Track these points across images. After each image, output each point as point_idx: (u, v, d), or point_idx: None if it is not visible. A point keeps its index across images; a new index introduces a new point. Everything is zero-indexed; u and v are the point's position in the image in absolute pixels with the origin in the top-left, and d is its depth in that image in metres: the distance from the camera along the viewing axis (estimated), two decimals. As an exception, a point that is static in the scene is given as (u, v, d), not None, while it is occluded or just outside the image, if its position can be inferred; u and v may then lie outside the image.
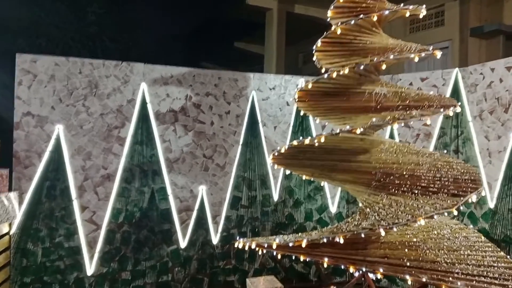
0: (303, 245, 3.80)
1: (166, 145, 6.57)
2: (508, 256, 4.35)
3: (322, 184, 7.31)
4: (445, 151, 6.35)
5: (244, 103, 7.07)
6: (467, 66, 6.88)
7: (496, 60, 6.29)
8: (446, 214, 3.77)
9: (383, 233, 3.73)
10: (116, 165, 6.29)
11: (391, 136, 7.06)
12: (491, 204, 6.04)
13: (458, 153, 6.54)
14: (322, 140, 4.21)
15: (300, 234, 4.40)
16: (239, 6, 14.72)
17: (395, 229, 3.65)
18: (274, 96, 7.25)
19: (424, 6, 4.57)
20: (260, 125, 7.11)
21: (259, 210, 7.01)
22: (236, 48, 19.75)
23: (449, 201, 3.84)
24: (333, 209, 7.36)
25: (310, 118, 7.30)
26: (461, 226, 4.95)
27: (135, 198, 6.37)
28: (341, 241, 3.72)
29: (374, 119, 4.26)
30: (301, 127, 7.30)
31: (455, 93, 6.64)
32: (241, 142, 6.99)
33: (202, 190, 6.70)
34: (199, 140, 6.77)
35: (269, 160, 6.99)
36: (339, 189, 7.36)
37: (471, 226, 6.05)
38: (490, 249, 4.49)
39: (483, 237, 4.67)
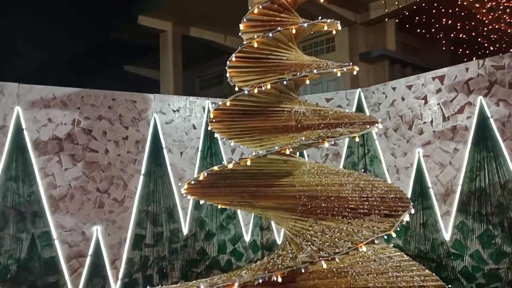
0: (235, 290, 3.20)
1: (49, 179, 5.45)
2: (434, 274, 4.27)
3: (237, 211, 6.78)
4: (363, 171, 6.34)
5: (145, 127, 6.28)
6: (357, 88, 7.05)
7: (397, 79, 6.55)
8: (385, 237, 3.52)
9: (324, 265, 3.32)
10: (-19, 209, 4.99)
11: (301, 157, 6.88)
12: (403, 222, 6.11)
13: (366, 171, 6.58)
14: (248, 163, 3.71)
15: (227, 275, 3.78)
16: (131, 27, 13.82)
17: (337, 260, 3.27)
18: (178, 119, 6.59)
19: (339, 21, 4.44)
20: (165, 151, 6.36)
21: (167, 248, 6.17)
22: (126, 73, 18.58)
23: (385, 223, 3.60)
24: (247, 237, 6.85)
25: (220, 142, 6.78)
26: (382, 245, 4.81)
27: (10, 247, 5.10)
28: (279, 279, 3.21)
29: (303, 138, 3.91)
30: (210, 151, 6.73)
31: (360, 112, 6.73)
32: (142, 172, 6.15)
33: (96, 231, 5.67)
34: (91, 171, 5.77)
35: (176, 190, 6.28)
36: (252, 215, 6.90)
37: (385, 243, 6.04)
38: (415, 267, 4.39)
39: (405, 256, 4.57)
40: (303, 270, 3.24)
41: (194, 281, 3.86)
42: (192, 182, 3.98)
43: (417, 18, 10.27)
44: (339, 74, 4.05)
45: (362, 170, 6.52)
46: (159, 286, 4.11)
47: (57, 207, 5.45)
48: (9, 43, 14.15)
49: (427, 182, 5.92)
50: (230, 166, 3.71)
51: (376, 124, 4.07)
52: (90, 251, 5.59)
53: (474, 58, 6.11)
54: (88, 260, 5.56)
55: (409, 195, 6.04)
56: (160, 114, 6.42)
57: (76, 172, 5.65)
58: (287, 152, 3.69)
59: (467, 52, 11.35)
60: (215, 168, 3.80)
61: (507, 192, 5.19)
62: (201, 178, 3.87)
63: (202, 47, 15.18)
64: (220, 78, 17.55)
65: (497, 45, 12.96)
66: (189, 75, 17.39)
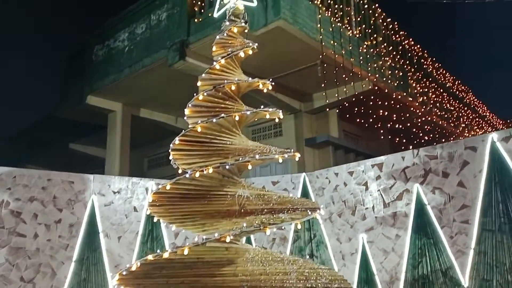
0: None
1: (-36, 268, 4.85)
2: None
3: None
4: (307, 257, 6.21)
5: (81, 210, 5.91)
6: (304, 172, 7.20)
7: (339, 165, 6.76)
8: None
9: None
10: None
11: (248, 241, 6.68)
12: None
13: (313, 257, 6.47)
14: (186, 252, 3.51)
15: None
16: (77, 106, 13.65)
17: None
18: (119, 200, 6.29)
19: (281, 110, 4.61)
20: (101, 235, 5.95)
21: None
22: (71, 151, 17.96)
23: (329, 316, 3.44)
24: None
25: (162, 225, 6.48)
26: None
27: None
28: None
29: (244, 224, 3.80)
30: (151, 235, 6.38)
31: (305, 196, 6.79)
32: (74, 259, 5.66)
33: (14, 329, 4.99)
34: (16, 258, 5.24)
35: (112, 280, 5.78)
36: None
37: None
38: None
39: None
40: None
41: None
42: (124, 273, 3.67)
43: (356, 108, 11.01)
44: (280, 161, 4.11)
45: (308, 256, 6.40)
46: None
47: (-32, 301, 4.80)
48: None
49: (372, 269, 5.88)
50: (166, 255, 3.49)
51: (318, 211, 4.08)
52: None
53: (410, 147, 6.49)
54: None
55: (355, 283, 5.94)
56: (99, 196, 6.11)
57: (-3, 259, 5.09)
58: (227, 240, 3.55)
59: (404, 141, 12.14)
60: (150, 257, 3.56)
61: (448, 279, 5.24)
62: (133, 268, 3.59)
63: (152, 127, 15.14)
64: (168, 157, 17.38)
65: (431, 135, 14.05)
66: (137, 155, 17.07)
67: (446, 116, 14.97)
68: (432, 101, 14.06)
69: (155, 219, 5.01)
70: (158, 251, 4.06)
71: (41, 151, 17.21)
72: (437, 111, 14.27)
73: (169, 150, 4.61)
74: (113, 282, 4.09)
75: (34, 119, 16.28)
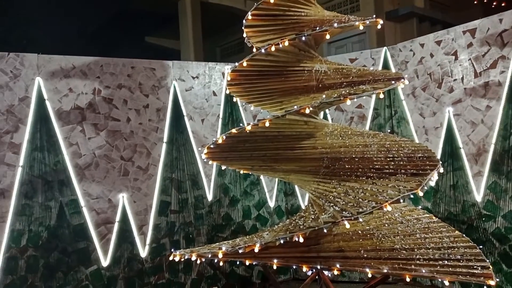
0: (256, 250, 3.17)
1: (74, 149, 5.52)
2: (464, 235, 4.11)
3: (260, 178, 6.73)
4: (389, 132, 6.13)
5: (165, 95, 6.23)
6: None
7: (425, 35, 6.19)
8: (412, 196, 3.38)
9: (347, 225, 3.23)
10: (11, 178, 5.11)
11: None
12: (432, 182, 5.90)
13: (393, 133, 6.35)
14: (267, 124, 3.60)
15: (248, 237, 3.76)
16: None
17: (360, 219, 3.17)
18: (198, 86, 6.50)
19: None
20: (186, 118, 6.32)
21: (192, 214, 6.23)
22: (148, 44, 18.49)
23: (411, 182, 3.46)
24: (271, 203, 6.83)
25: (241, 108, 6.68)
26: (410, 207, 4.69)
27: (40, 215, 5.25)
28: (301, 240, 3.15)
29: (323, 96, 3.75)
30: (231, 118, 6.65)
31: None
32: (165, 140, 6.14)
33: (122, 198, 5.76)
34: (114, 140, 5.80)
35: (199, 157, 6.28)
36: (276, 181, 6.85)
37: (413, 206, 5.88)
38: (444, 229, 4.25)
39: (434, 217, 4.43)
40: (325, 231, 3.17)
41: (217, 243, 3.86)
42: (212, 146, 3.91)
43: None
44: (361, 28, 3.82)
45: (389, 131, 6.29)
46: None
47: (83, 176, 5.54)
48: (27, 20, 14.24)
49: (458, 142, 5.66)
50: (249, 128, 3.62)
51: (402, 80, 3.86)
52: (118, 218, 5.70)
53: None
54: (116, 226, 5.68)
55: (438, 156, 5.80)
56: (179, 81, 6.34)
57: (99, 141, 5.70)
58: (307, 111, 3.55)
59: (502, 5, 10.62)
60: (233, 130, 3.71)
61: (544, 149, 4.90)
62: (220, 141, 3.80)
63: (220, 14, 14.84)
64: (240, 46, 17.23)
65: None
66: (209, 45, 17.16)
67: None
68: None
69: (234, 99, 5.16)
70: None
71: (120, 45, 17.92)
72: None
73: (242, 27, 4.49)
74: (202, 156, 4.42)
75: (111, 13, 16.68)
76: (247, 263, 4.04)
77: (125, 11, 16.10)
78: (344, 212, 3.21)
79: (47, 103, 5.38)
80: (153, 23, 16.50)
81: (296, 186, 6.82)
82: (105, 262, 5.55)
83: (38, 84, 5.36)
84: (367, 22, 3.82)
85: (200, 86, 6.51)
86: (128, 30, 16.59)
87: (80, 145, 5.55)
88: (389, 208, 3.24)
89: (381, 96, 3.99)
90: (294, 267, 5.71)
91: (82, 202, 5.47)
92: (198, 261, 4.28)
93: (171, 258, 3.92)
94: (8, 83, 5.20)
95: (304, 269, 3.96)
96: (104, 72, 5.79)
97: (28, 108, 5.29)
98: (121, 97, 5.89)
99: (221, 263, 5.12)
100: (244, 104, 6.65)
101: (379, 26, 4.10)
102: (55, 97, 5.45)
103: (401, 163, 3.82)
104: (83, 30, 17.28)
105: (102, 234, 5.59)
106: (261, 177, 6.73)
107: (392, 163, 3.86)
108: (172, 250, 4.18)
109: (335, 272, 3.95)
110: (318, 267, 3.96)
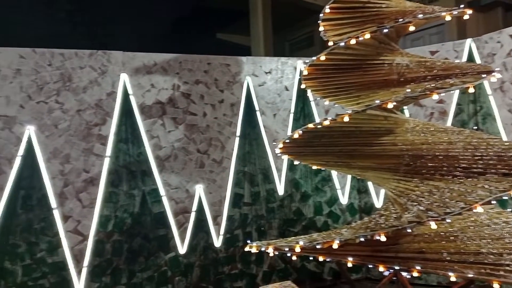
0: (335, 246, 3.15)
1: (155, 141, 5.83)
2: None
3: (332, 174, 6.66)
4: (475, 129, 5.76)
5: (239, 90, 6.36)
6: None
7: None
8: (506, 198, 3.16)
9: (434, 226, 3.09)
10: (99, 167, 5.53)
11: (402, 116, 6.45)
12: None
13: (478, 130, 5.95)
14: (346, 119, 3.55)
15: (326, 232, 3.75)
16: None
17: (448, 220, 3.03)
18: (270, 81, 6.56)
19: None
20: (258, 113, 6.41)
21: (264, 207, 6.33)
22: (218, 40, 18.95)
23: (504, 183, 3.23)
24: (343, 200, 6.73)
25: (312, 103, 6.63)
26: (498, 210, 4.37)
27: (125, 202, 5.63)
28: (383, 238, 3.08)
29: (408, 91, 3.61)
30: (302, 113, 6.63)
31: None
32: (238, 134, 6.29)
33: (199, 189, 5.99)
34: (192, 133, 6.05)
35: (270, 151, 6.34)
36: (349, 178, 6.72)
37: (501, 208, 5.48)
38: (537, 234, 3.91)
39: None
40: (409, 231, 3.07)
41: (294, 237, 3.89)
42: (287, 141, 3.94)
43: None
44: (448, 18, 3.62)
45: (475, 128, 5.91)
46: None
47: (163, 167, 5.84)
48: (107, 18, 15.26)
49: (553, 141, 5.17)
50: (326, 123, 3.59)
51: (493, 73, 3.60)
52: (194, 208, 5.94)
53: None
54: (192, 216, 5.93)
55: (530, 156, 5.35)
56: (252, 77, 6.44)
57: (178, 134, 5.97)
58: (390, 106, 3.44)
59: None
60: (310, 125, 3.70)
61: None
62: (295, 136, 3.81)
63: (289, 8, 14.78)
64: (310, 39, 17.06)
65: None
66: (278, 39, 17.18)
67: None
68: None
69: (308, 94, 5.13)
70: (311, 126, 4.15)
71: (193, 42, 18.55)
72: None
73: (319, 21, 4.44)
74: (276, 150, 4.46)
75: (185, 11, 17.36)
76: (321, 259, 4.03)
77: (197, 9, 16.65)
78: (429, 212, 3.08)
79: (132, 98, 5.73)
80: (225, 20, 16.89)
81: (370, 184, 6.65)
82: (182, 249, 5.83)
83: (123, 80, 5.72)
84: (455, 13, 3.61)
85: (273, 81, 6.56)
86: (201, 27, 17.15)
87: (160, 138, 5.86)
88: (480, 209, 3.05)
89: (471, 90, 3.75)
90: (369, 266, 5.58)
91: (162, 191, 5.78)
92: (271, 254, 4.33)
93: (247, 249, 4.02)
94: (96, 79, 5.61)
95: (381, 269, 3.86)
96: (182, 68, 6.04)
97: (114, 103, 5.67)
98: (198, 92, 6.11)
99: (293, 258, 5.15)
100: (316, 99, 6.60)
101: (466, 16, 3.85)
102: (138, 92, 5.79)
103: (491, 162, 3.57)
104: (158, 27, 18.15)
105: (180, 222, 5.87)
106: (333, 173, 6.65)
107: (481, 162, 3.62)
108: (248, 241, 4.28)
109: (414, 274, 3.81)
110: (396, 267, 3.85)
